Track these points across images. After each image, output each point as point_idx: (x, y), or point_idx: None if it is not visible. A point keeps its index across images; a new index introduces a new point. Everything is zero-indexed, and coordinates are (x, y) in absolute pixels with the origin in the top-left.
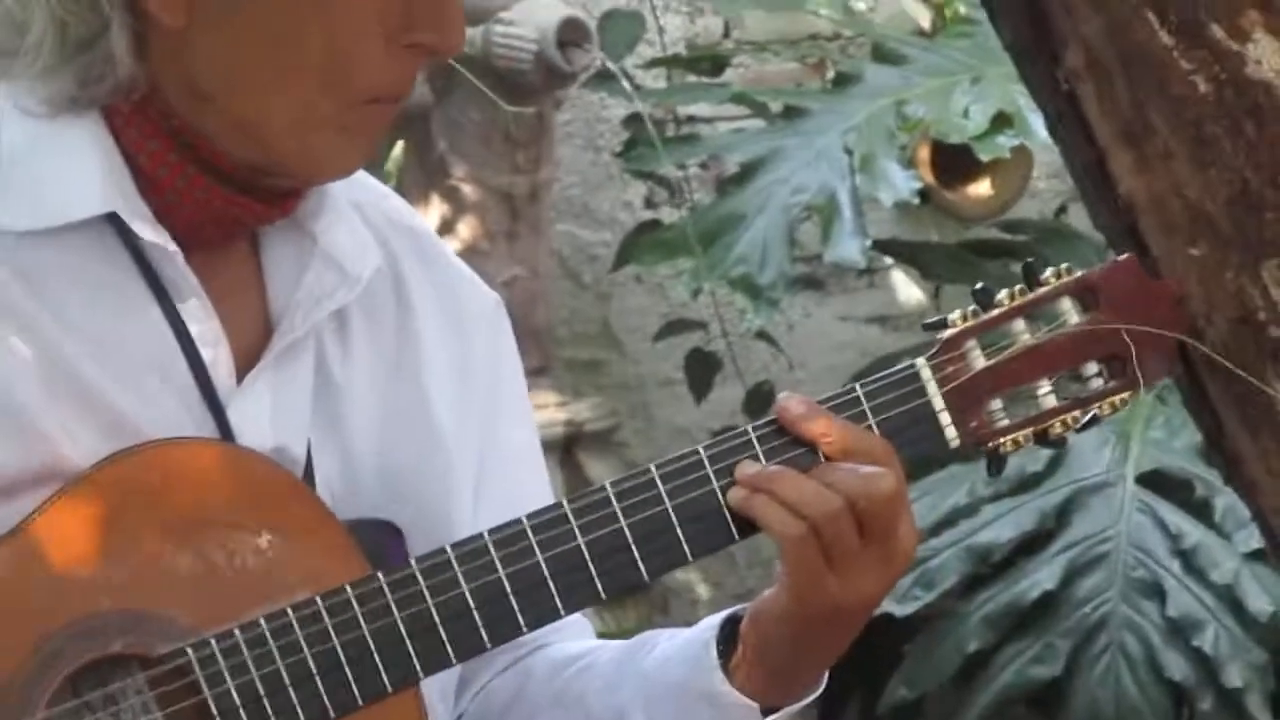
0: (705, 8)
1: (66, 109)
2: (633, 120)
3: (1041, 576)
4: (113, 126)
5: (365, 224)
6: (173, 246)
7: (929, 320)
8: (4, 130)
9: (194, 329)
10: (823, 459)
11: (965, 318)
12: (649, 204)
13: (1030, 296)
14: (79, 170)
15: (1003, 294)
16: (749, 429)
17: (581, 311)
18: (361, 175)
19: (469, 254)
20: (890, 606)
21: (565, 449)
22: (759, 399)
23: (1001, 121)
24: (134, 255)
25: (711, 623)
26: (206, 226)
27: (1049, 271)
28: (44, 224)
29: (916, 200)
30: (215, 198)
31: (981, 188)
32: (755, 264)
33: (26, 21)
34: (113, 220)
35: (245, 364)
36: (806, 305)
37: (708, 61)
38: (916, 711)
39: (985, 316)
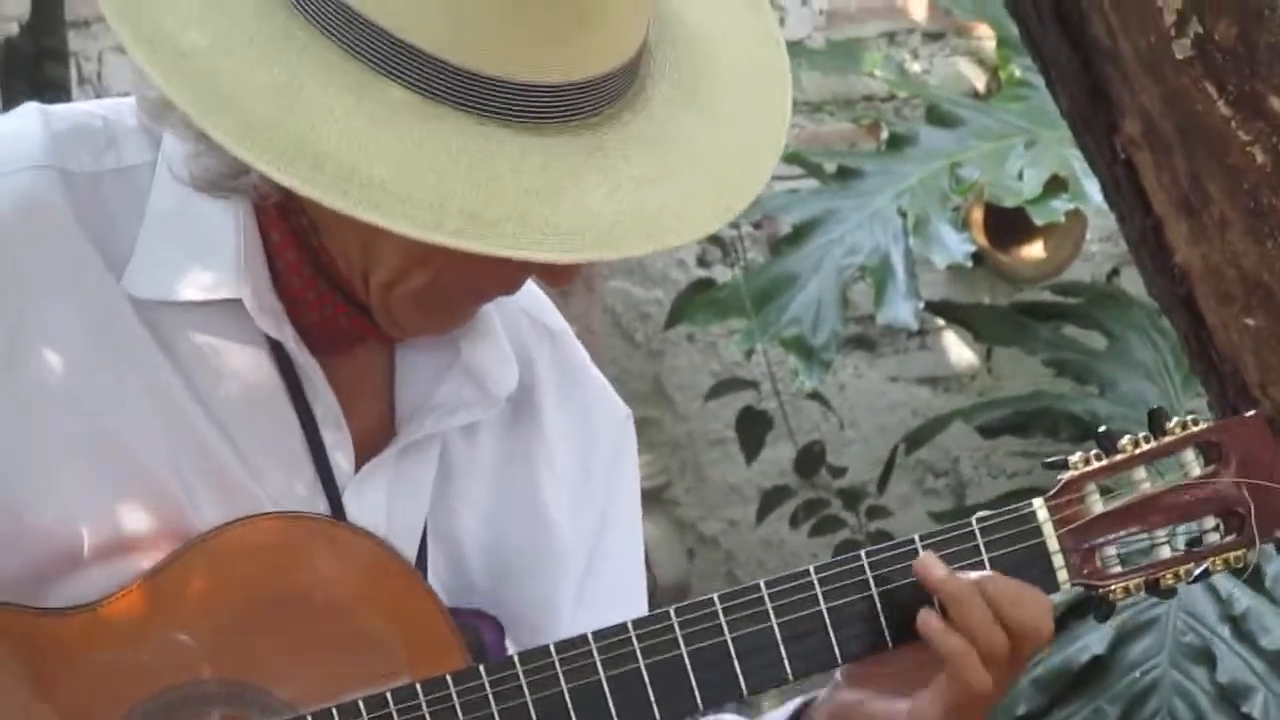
0: None
1: (216, 189)
2: None
3: (1091, 641)
4: (261, 221)
5: (505, 320)
6: (293, 343)
7: (1049, 459)
8: (155, 192)
9: (318, 412)
10: None
11: (1087, 461)
12: (702, 263)
13: (1154, 445)
14: (220, 251)
15: (1125, 440)
16: (861, 554)
17: (633, 369)
18: None
19: None
20: None
21: None
22: (810, 458)
23: (1056, 185)
24: (267, 339)
25: (787, 710)
26: (330, 335)
27: (1174, 421)
28: (177, 296)
29: (969, 262)
30: (340, 315)
31: (1035, 250)
32: (808, 324)
33: None
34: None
35: (365, 455)
36: (858, 365)
37: None
38: None
39: (1107, 461)
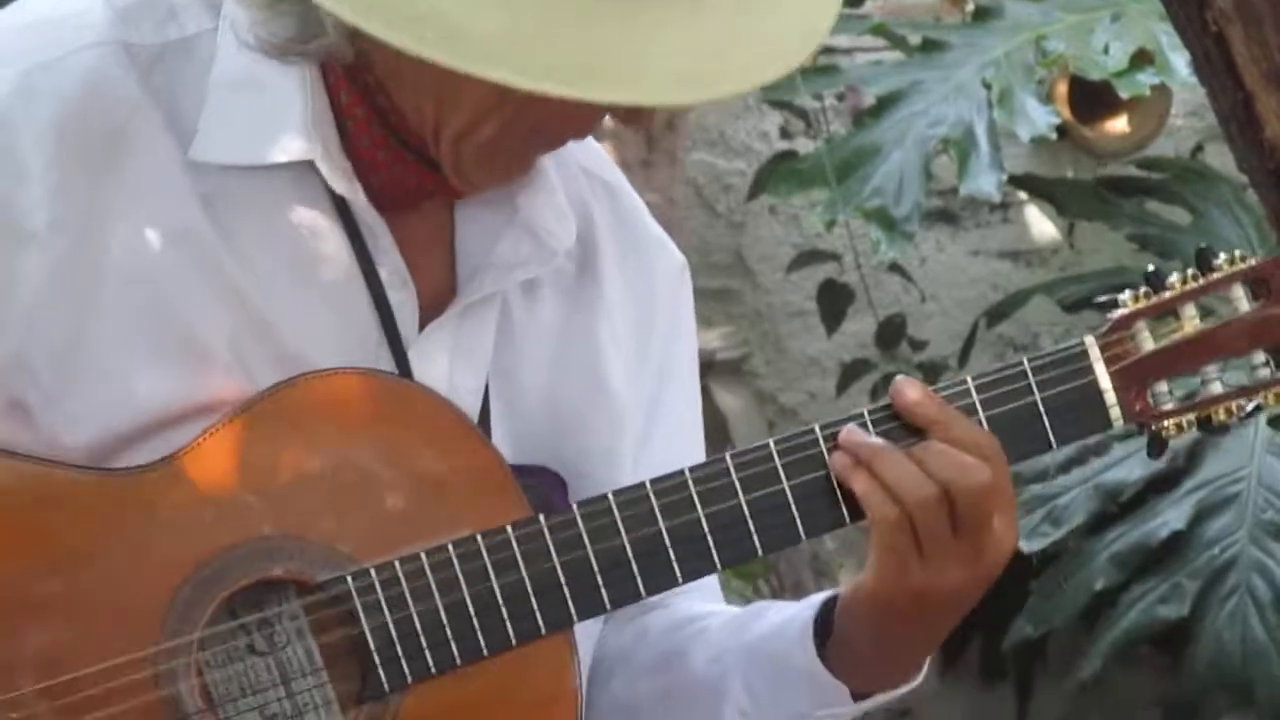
0: None
1: (284, 53)
2: None
3: (1170, 516)
4: (326, 81)
5: (564, 176)
6: (362, 200)
7: (1100, 299)
8: (219, 59)
9: (383, 272)
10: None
11: (1136, 299)
12: (785, 134)
13: (1202, 282)
14: (289, 114)
15: (1174, 277)
16: (865, 412)
17: (715, 241)
18: None
19: None
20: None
21: None
22: (890, 331)
23: (1141, 59)
24: (332, 199)
25: (813, 601)
26: (399, 193)
27: (1222, 257)
28: (247, 160)
29: (1053, 135)
30: (410, 173)
31: (1119, 124)
32: (890, 196)
33: None
34: (314, 167)
35: (429, 311)
36: (940, 238)
37: None
38: (1040, 649)
39: (1156, 299)
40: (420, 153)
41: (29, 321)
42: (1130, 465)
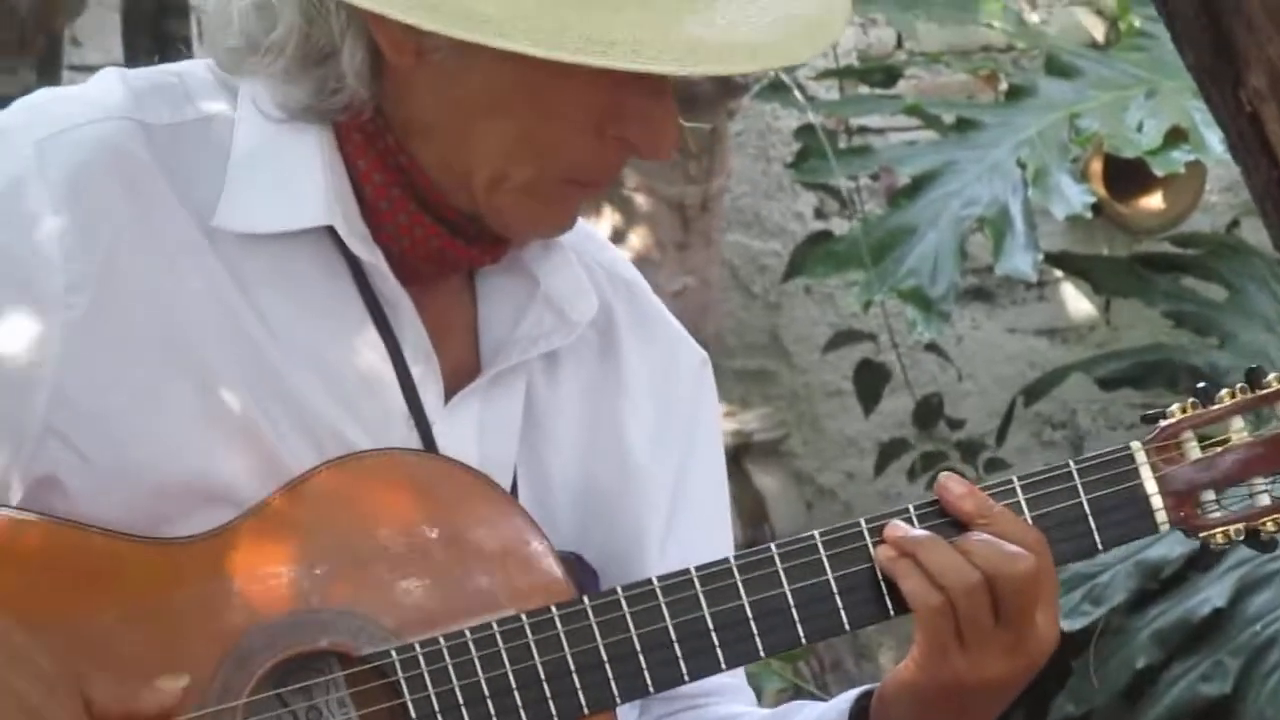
0: (878, 19)
1: (301, 117)
2: (805, 131)
3: (1212, 593)
4: (343, 146)
5: (584, 269)
6: (383, 267)
7: (1148, 411)
8: (240, 131)
9: (405, 347)
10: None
11: (1185, 410)
12: (820, 214)
13: (1251, 396)
14: (305, 180)
15: (1224, 392)
16: (910, 507)
17: (751, 322)
18: (582, 223)
19: (640, 263)
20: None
21: (734, 459)
22: (928, 410)
23: (1176, 136)
24: (352, 270)
25: (848, 697)
26: (420, 260)
27: (1272, 375)
28: (266, 228)
29: (1089, 214)
30: (431, 235)
31: (1154, 201)
32: (926, 276)
33: (277, 17)
34: (333, 234)
35: (452, 389)
36: (975, 317)
37: (880, 73)
38: None
39: (1204, 411)
40: (441, 215)
41: (58, 388)
42: (1170, 543)
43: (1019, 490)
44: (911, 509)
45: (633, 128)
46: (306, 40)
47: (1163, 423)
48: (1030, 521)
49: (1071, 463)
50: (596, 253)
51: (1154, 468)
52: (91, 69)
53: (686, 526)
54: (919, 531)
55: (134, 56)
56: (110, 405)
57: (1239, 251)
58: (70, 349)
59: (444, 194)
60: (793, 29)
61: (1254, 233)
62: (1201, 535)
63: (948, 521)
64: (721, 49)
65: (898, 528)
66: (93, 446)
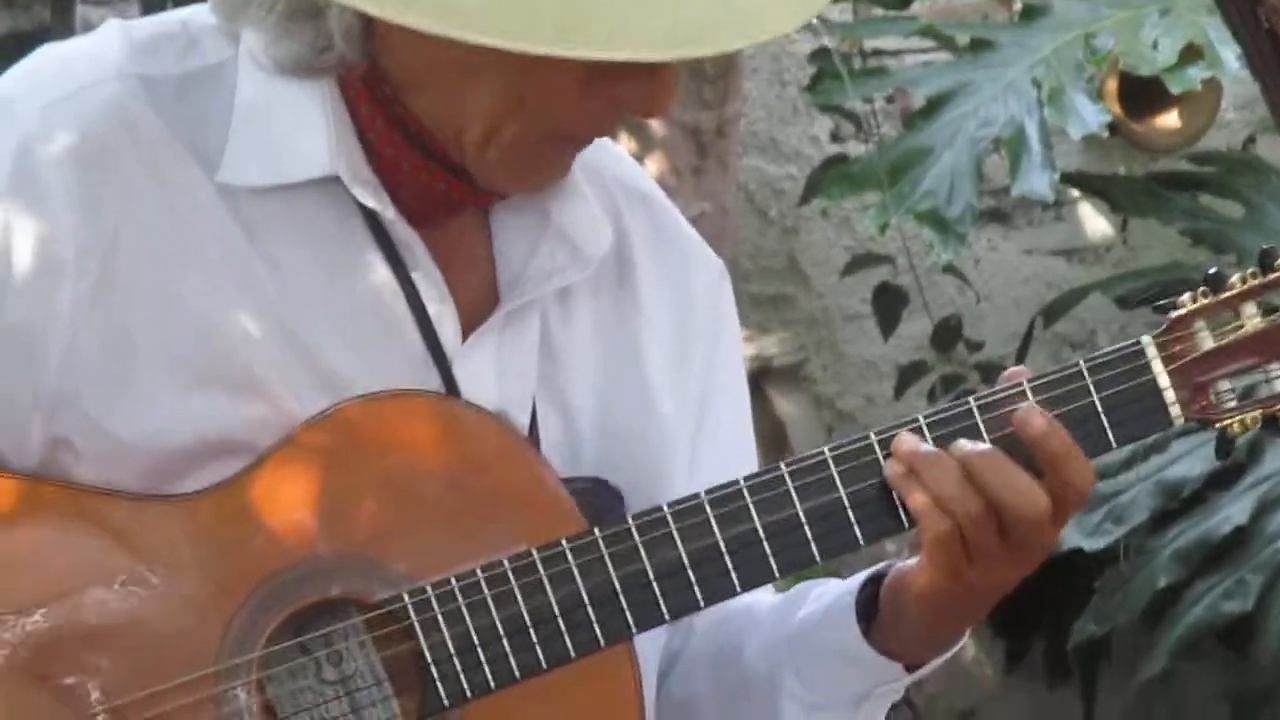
0: None
1: (299, 71)
2: (819, 54)
3: (1232, 512)
4: (346, 96)
5: (597, 191)
6: (392, 213)
7: (1159, 302)
8: (241, 84)
9: (421, 287)
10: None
11: (1195, 299)
12: (835, 138)
13: (1262, 280)
14: (311, 131)
15: (1235, 277)
16: (920, 417)
17: (768, 246)
18: (601, 140)
19: None
20: (1080, 541)
21: (753, 384)
22: (946, 333)
23: (1191, 53)
24: (365, 217)
25: (851, 586)
26: (427, 204)
27: None
28: (274, 180)
29: (1105, 133)
30: (437, 180)
31: (1170, 119)
32: (943, 198)
33: None
34: (342, 184)
35: (469, 326)
36: (992, 238)
37: None
38: (1105, 647)
39: (1215, 298)
40: (443, 160)
41: (69, 353)
42: (1191, 462)
43: (1029, 392)
44: (922, 419)
45: (624, 89)
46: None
47: (1173, 313)
48: None
49: (1081, 361)
50: (612, 165)
51: (1166, 361)
52: (105, 3)
53: (712, 446)
54: (927, 449)
55: None
56: (119, 369)
57: (1256, 169)
58: (80, 313)
59: (441, 143)
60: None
61: (1271, 150)
62: (1218, 425)
63: (962, 428)
64: (702, 26)
65: (906, 441)
66: (102, 409)
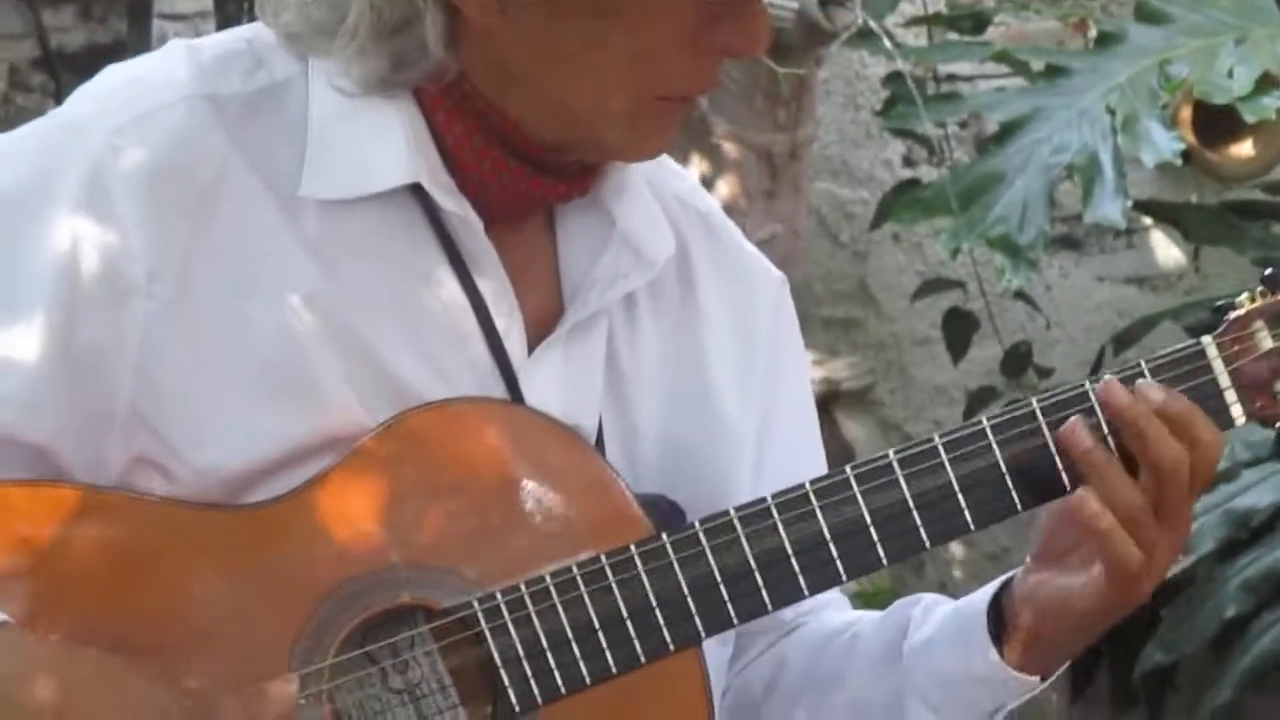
0: None
1: (378, 89)
2: (893, 78)
3: None
4: (422, 106)
5: (658, 205)
6: (473, 216)
7: (1218, 302)
8: (313, 102)
9: (489, 299)
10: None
11: (1254, 298)
12: (908, 162)
13: None
14: (387, 143)
15: None
16: (1033, 401)
17: (839, 270)
18: (660, 158)
19: (728, 212)
20: None
21: (822, 408)
22: (1016, 359)
23: (1266, 82)
24: (434, 227)
25: (978, 606)
26: (507, 204)
27: None
28: (348, 194)
29: (1179, 161)
30: (518, 177)
31: (1244, 148)
32: (1014, 224)
33: (346, 4)
34: (415, 193)
35: (536, 337)
36: (1064, 265)
37: (969, 20)
38: (1171, 676)
39: (1275, 299)
40: (527, 156)
41: (141, 376)
42: (1260, 491)
43: (1090, 394)
44: (1035, 403)
45: (727, 30)
46: (379, 18)
47: (1231, 314)
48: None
49: (1143, 362)
50: (673, 183)
51: (1226, 361)
52: (182, 18)
53: (777, 458)
54: (1102, 456)
55: (223, 4)
56: (190, 390)
57: None
58: (151, 336)
59: (530, 133)
60: None
61: None
62: (1278, 425)
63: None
64: None
65: (1083, 436)
66: (174, 428)
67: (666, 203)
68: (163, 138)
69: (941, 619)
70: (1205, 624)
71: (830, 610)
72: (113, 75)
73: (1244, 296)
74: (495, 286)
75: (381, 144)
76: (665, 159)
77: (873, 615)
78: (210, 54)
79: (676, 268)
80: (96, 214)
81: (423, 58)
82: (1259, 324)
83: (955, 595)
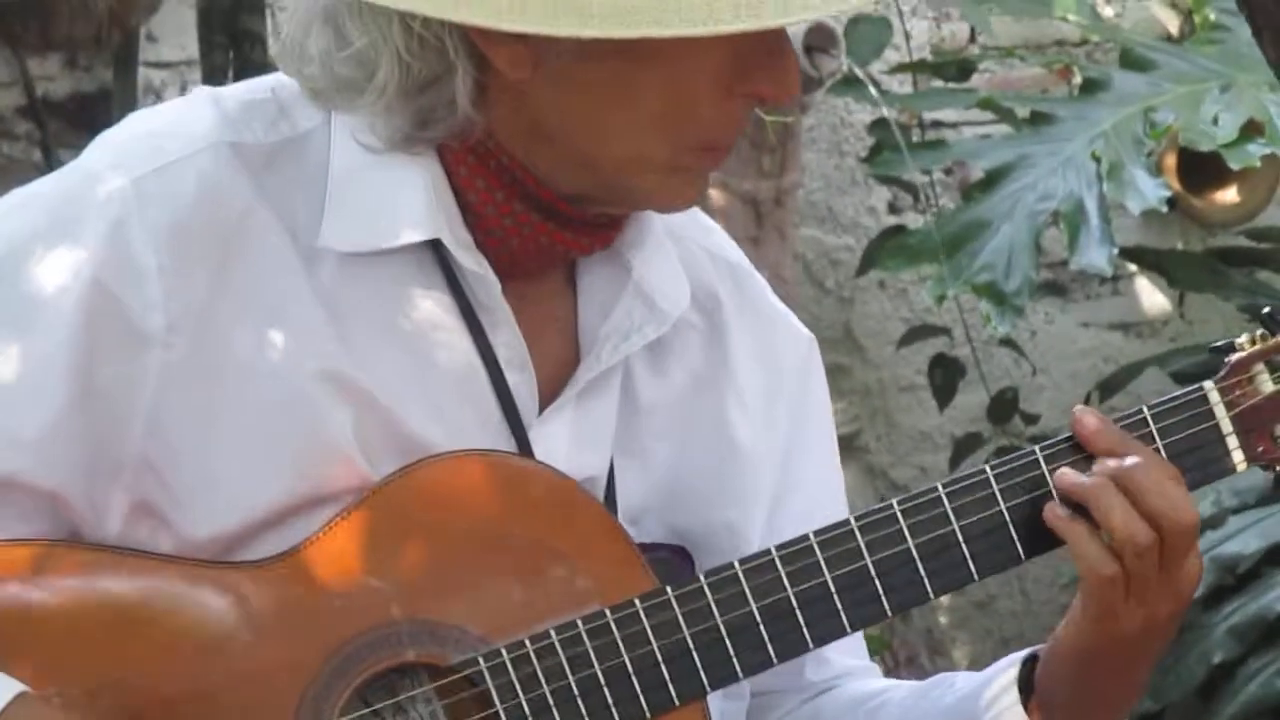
0: (952, 13)
1: (402, 146)
2: (878, 125)
3: None
4: (444, 161)
5: (683, 259)
6: (491, 275)
7: (1216, 344)
8: (335, 154)
9: (502, 355)
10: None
11: (1254, 341)
12: (893, 209)
13: None
14: (408, 198)
15: None
16: (1036, 450)
17: (824, 317)
18: (690, 210)
19: None
20: None
21: None
22: (1002, 405)
23: (1251, 129)
24: (450, 284)
25: (1009, 669)
26: (528, 258)
27: None
28: (367, 247)
29: (1164, 208)
30: (540, 232)
31: (1229, 195)
32: (1000, 271)
33: (375, 61)
34: (434, 248)
35: (550, 388)
36: (1049, 311)
37: (954, 67)
38: None
39: (1275, 341)
40: (551, 211)
41: (153, 423)
42: (1246, 538)
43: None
44: (1038, 451)
45: (759, 76)
46: (409, 75)
47: (1232, 357)
48: None
49: (1145, 408)
50: (700, 237)
51: (1229, 406)
52: (168, 65)
53: (793, 513)
54: (1094, 483)
55: (209, 53)
56: (199, 442)
57: None
58: (165, 386)
59: (556, 187)
60: None
61: None
62: (1279, 469)
63: (1082, 459)
64: None
65: (1069, 475)
66: (180, 478)
67: (695, 255)
68: (186, 188)
69: (979, 679)
70: (1192, 671)
71: (860, 676)
72: (135, 124)
73: (1244, 339)
74: (510, 343)
75: (402, 199)
76: (695, 211)
77: (902, 684)
78: (234, 103)
79: (707, 315)
80: (118, 262)
81: (449, 114)
82: (1259, 367)
83: (941, 641)
